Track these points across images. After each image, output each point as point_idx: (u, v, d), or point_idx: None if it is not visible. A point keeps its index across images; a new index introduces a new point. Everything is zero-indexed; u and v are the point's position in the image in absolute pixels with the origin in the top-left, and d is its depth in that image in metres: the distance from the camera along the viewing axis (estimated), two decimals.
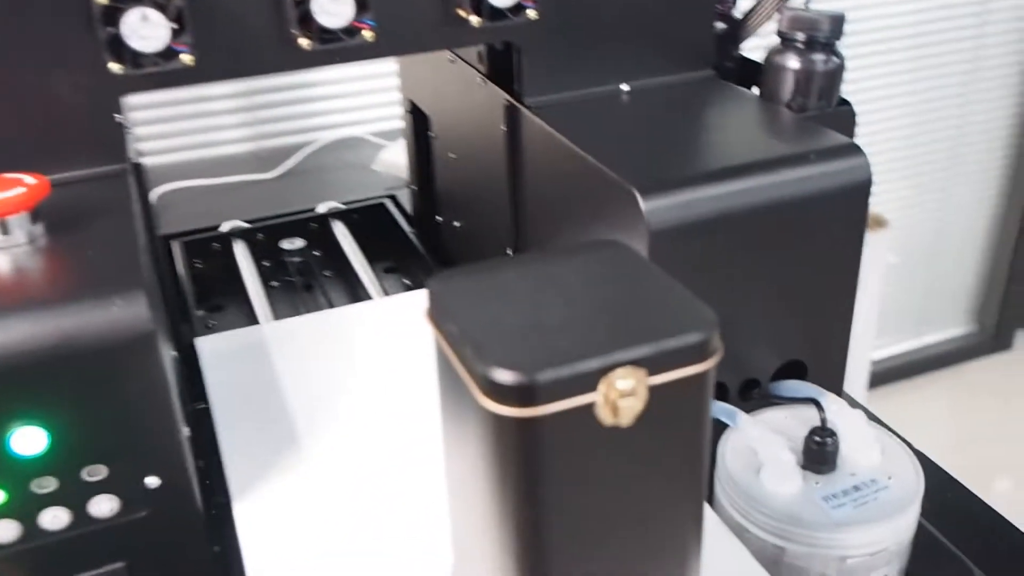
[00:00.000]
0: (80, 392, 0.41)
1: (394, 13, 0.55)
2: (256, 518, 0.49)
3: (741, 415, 0.52)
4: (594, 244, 0.41)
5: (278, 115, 1.36)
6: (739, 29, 0.67)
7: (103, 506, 0.43)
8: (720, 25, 0.67)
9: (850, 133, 0.61)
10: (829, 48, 0.61)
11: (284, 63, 0.55)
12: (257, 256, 0.86)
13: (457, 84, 0.71)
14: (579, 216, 0.57)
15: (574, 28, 0.61)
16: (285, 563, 0.46)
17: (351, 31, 0.53)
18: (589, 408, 0.33)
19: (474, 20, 0.56)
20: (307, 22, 0.52)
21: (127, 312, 0.41)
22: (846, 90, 0.63)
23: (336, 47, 0.54)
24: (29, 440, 0.41)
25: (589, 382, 0.33)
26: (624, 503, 0.36)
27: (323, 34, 0.53)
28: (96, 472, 0.43)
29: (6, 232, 0.46)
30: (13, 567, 0.43)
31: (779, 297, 0.56)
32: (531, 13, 0.57)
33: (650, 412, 0.34)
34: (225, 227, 0.88)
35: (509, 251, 0.68)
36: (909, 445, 0.53)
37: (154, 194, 1.05)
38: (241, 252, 0.86)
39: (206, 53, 0.52)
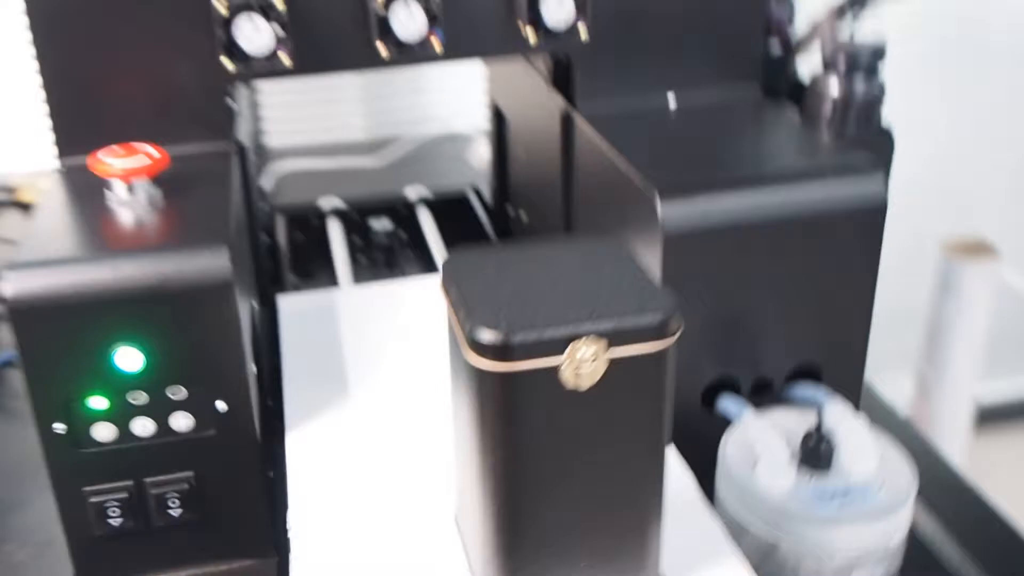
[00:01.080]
0: (170, 324, 0.50)
1: (461, 25, 0.63)
2: (303, 450, 0.57)
3: (747, 410, 0.56)
4: (594, 238, 0.48)
5: (394, 106, 1.45)
6: (793, 51, 0.72)
7: (181, 422, 0.52)
8: (776, 46, 0.72)
9: (887, 160, 0.64)
10: (870, 75, 0.65)
11: (364, 63, 0.63)
12: (349, 233, 0.96)
13: (528, 88, 0.78)
14: (613, 216, 0.63)
15: (624, 45, 0.66)
16: (321, 490, 0.54)
17: (423, 42, 0.62)
18: (555, 370, 0.40)
19: (531, 36, 0.63)
20: (386, 33, 0.61)
21: (212, 262, 0.50)
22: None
23: (409, 53, 0.62)
24: (128, 359, 0.50)
25: (557, 347, 0.40)
26: (584, 456, 0.42)
27: (398, 43, 0.61)
28: (178, 392, 0.51)
29: (131, 192, 0.55)
30: (108, 462, 0.52)
31: (792, 303, 0.59)
32: (583, 33, 0.64)
33: (608, 380, 0.41)
34: (324, 204, 0.99)
35: None
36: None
37: (275, 171, 1.16)
38: (335, 228, 0.96)
39: (301, 53, 0.61)
